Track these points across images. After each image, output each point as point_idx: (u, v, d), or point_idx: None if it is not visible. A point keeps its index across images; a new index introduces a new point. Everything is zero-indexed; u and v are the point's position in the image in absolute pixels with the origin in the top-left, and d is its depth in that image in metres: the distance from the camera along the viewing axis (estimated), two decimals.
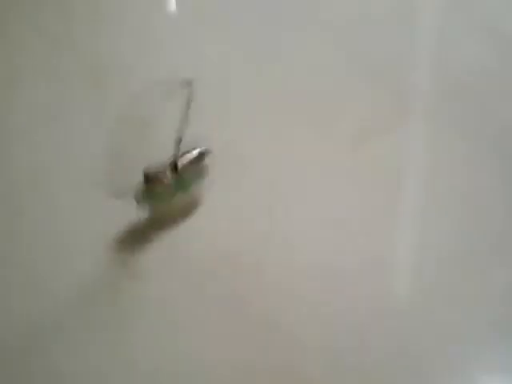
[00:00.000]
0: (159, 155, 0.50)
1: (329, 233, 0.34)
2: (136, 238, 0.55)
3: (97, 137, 0.64)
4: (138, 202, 0.60)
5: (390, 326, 0.30)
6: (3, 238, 0.58)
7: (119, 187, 0.58)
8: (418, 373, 0.29)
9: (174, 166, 0.58)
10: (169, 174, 0.58)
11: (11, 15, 0.76)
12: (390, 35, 0.49)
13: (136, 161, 0.57)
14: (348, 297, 0.31)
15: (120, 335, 0.38)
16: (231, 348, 0.31)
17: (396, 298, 0.32)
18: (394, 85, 0.44)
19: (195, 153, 0.59)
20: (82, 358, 0.41)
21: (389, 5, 0.53)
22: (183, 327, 0.37)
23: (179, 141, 0.57)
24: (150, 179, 0.58)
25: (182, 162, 0.59)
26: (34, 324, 0.45)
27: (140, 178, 0.56)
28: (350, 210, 0.35)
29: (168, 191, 0.60)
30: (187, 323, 0.38)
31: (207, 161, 0.58)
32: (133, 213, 0.58)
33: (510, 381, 0.29)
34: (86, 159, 0.64)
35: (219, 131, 0.56)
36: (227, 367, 0.31)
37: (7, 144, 0.67)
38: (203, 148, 0.60)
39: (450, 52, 0.46)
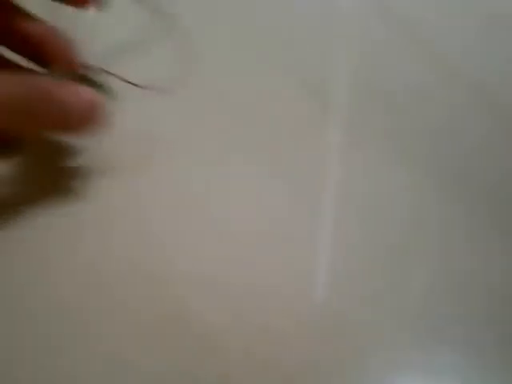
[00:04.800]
0: None
1: (247, 239, 0.33)
2: None
3: None
4: None
5: (312, 328, 0.30)
6: None
7: None
8: (341, 374, 0.28)
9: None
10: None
11: None
12: (314, 41, 0.48)
13: None
14: (270, 303, 0.31)
15: None
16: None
17: (318, 301, 0.31)
18: (317, 89, 0.43)
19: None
20: None
21: (317, 11, 0.51)
22: None
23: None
24: None
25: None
26: None
27: None
28: (270, 215, 0.34)
29: None
30: None
31: None
32: None
33: (432, 381, 0.28)
34: None
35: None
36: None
37: None
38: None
39: (376, 64, 0.46)
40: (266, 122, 0.39)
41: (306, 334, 0.29)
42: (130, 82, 0.34)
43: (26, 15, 0.34)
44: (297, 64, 0.43)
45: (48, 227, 0.32)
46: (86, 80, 0.33)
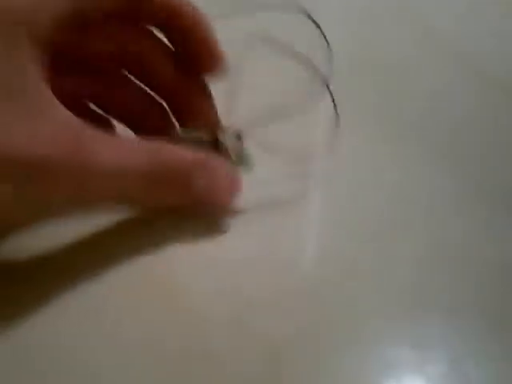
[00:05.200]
0: None
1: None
2: None
3: None
4: None
5: (299, 300, 0.29)
6: None
7: None
8: (330, 348, 0.28)
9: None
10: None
11: None
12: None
13: None
14: (256, 274, 0.30)
15: None
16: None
17: (304, 273, 0.31)
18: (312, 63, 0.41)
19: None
20: None
21: None
22: None
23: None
24: None
25: None
26: None
27: None
28: (257, 186, 0.33)
29: None
30: None
31: None
32: None
33: (420, 352, 0.28)
34: None
35: None
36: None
37: None
38: None
39: (363, 39, 0.45)
40: (257, 96, 0.37)
41: (292, 306, 0.29)
42: (270, 152, 0.30)
43: (160, 51, 0.30)
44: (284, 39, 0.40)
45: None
46: (223, 148, 0.29)
